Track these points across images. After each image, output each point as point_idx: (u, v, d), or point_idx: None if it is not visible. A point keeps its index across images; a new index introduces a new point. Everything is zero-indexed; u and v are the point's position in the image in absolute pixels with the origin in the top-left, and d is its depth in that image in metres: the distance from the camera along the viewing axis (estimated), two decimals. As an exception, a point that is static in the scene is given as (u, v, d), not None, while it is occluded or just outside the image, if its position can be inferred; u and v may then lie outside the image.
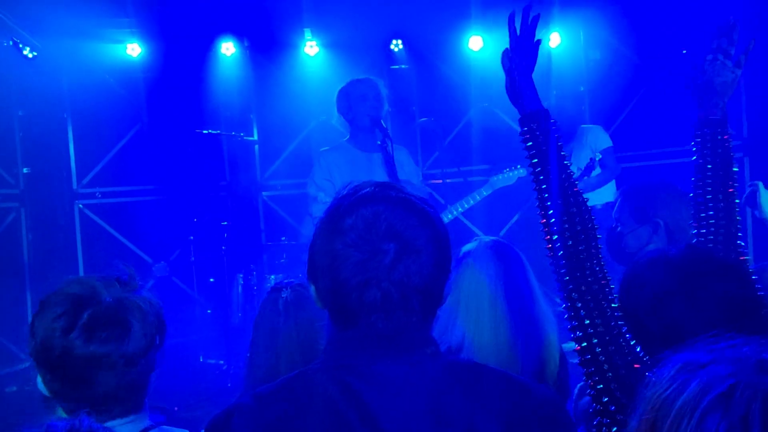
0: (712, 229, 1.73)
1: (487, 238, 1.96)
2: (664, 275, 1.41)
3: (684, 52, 5.13)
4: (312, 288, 1.11)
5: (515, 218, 6.33)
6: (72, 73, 5.86)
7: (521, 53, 1.58)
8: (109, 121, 6.00)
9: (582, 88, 5.18)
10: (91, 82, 5.86)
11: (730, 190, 1.74)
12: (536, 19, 1.58)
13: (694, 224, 1.79)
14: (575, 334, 1.40)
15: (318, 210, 3.49)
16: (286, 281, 1.98)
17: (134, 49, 5.94)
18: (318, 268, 1.07)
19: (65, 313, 1.23)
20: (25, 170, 5.71)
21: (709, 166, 1.76)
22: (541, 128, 1.53)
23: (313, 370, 1.07)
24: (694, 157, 1.81)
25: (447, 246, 1.09)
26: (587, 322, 1.38)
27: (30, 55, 5.40)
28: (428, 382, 1.04)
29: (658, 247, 2.15)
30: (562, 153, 1.52)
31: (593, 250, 1.43)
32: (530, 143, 1.53)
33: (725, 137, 1.78)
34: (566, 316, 1.44)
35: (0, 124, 5.39)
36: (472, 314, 1.78)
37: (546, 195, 1.49)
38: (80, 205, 6.11)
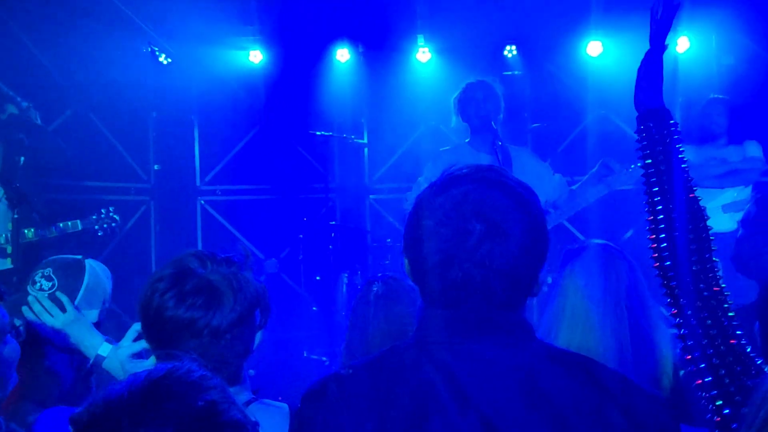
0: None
1: (597, 242, 1.86)
2: None
3: None
4: (405, 261, 1.12)
5: (629, 233, 5.98)
6: (200, 78, 6.31)
7: (658, 39, 1.48)
8: (231, 124, 6.39)
9: (717, 95, 4.80)
10: (217, 87, 6.27)
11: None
12: (677, 5, 1.48)
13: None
14: (691, 354, 1.30)
15: (411, 197, 3.52)
16: (380, 275, 2.01)
17: (256, 56, 6.28)
18: (408, 243, 1.09)
19: (168, 277, 1.30)
20: (156, 167, 6.20)
21: None
22: (658, 128, 1.43)
23: (405, 345, 1.08)
24: None
25: (542, 233, 1.05)
26: (705, 341, 1.27)
27: (165, 62, 5.88)
28: (524, 364, 1.02)
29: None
30: (681, 156, 1.41)
31: (708, 264, 1.32)
32: (645, 143, 1.44)
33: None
34: (677, 333, 1.34)
35: (136, 124, 5.90)
36: (578, 323, 1.71)
37: (657, 199, 1.39)
38: (202, 201, 6.54)
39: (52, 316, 1.71)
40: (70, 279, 1.82)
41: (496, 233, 1.00)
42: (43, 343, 1.75)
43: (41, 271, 1.82)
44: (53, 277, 1.80)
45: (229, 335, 1.28)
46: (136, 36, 5.68)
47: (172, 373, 0.86)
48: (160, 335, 1.29)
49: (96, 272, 1.89)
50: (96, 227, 3.78)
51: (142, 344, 1.45)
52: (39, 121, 3.48)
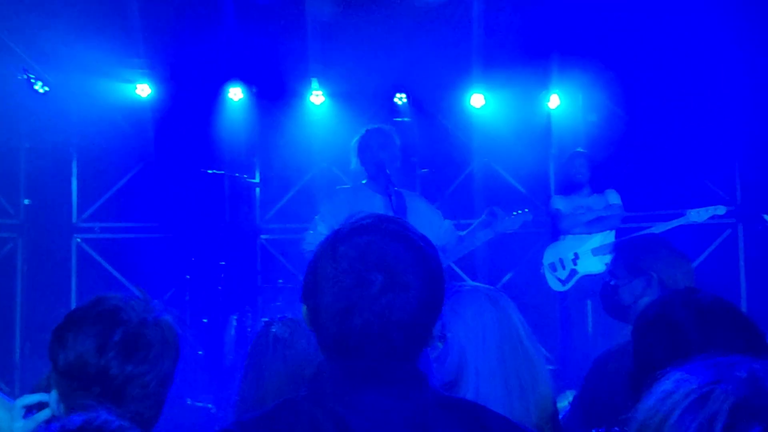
0: None
1: (478, 285, 1.94)
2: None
3: None
4: (303, 308, 1.13)
5: (508, 276, 6.34)
6: (81, 109, 5.96)
7: None
8: (115, 158, 6.08)
9: (580, 149, 5.31)
10: (100, 118, 5.96)
11: None
12: None
13: None
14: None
15: (310, 237, 3.56)
16: (279, 316, 1.99)
17: (144, 90, 6.07)
18: (308, 289, 1.10)
19: (98, 333, 1.24)
20: (26, 201, 5.74)
21: None
22: None
23: (299, 397, 1.08)
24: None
25: (439, 286, 1.09)
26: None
27: (42, 90, 5.53)
28: (419, 415, 1.04)
29: (651, 299, 2.16)
30: None
31: None
32: None
33: None
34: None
35: (6, 155, 5.45)
36: (478, 360, 1.74)
37: None
38: (78, 239, 6.11)
39: None
40: None
41: (397, 285, 1.02)
42: None
43: None
44: None
45: (169, 380, 1.27)
46: (9, 61, 5.31)
47: (89, 423, 0.82)
48: (103, 391, 1.22)
49: None
50: None
51: (37, 420, 1.32)
52: None
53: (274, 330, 1.85)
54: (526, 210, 3.58)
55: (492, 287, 1.97)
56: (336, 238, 1.08)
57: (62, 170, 6.04)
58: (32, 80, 5.46)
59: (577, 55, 5.79)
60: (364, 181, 3.74)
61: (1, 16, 4.78)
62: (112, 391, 1.21)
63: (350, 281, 1.03)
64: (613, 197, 5.02)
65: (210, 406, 4.85)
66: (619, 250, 2.45)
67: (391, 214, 3.29)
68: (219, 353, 4.94)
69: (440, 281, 1.09)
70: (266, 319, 1.98)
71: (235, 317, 4.90)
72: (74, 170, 6.12)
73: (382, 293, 1.02)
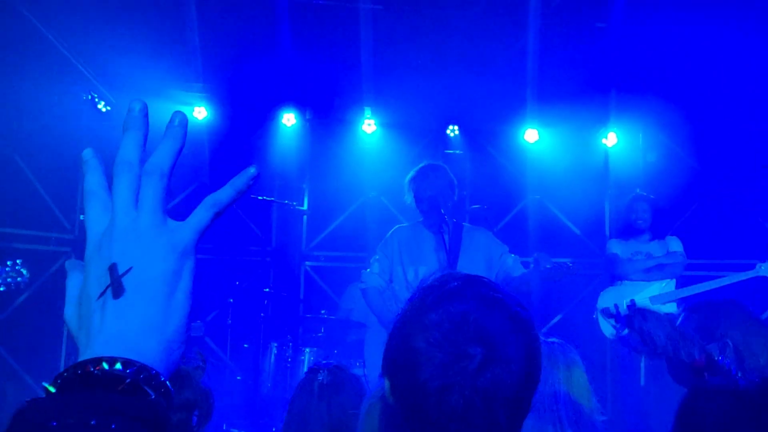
0: None
1: (553, 340, 1.85)
2: (731, 407, 1.29)
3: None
4: (386, 383, 1.03)
5: (557, 318, 6.11)
6: (140, 129, 6.11)
7: None
8: (170, 177, 6.18)
9: (639, 191, 5.10)
10: (156, 140, 6.07)
11: None
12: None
13: None
14: None
15: (366, 276, 3.60)
16: (324, 362, 1.94)
17: (201, 112, 6.20)
18: (395, 364, 1.00)
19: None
20: (81, 217, 5.88)
21: None
22: None
23: None
24: None
25: (539, 355, 1.00)
26: None
27: (104, 110, 5.70)
28: None
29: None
30: None
31: None
32: None
33: None
34: None
35: (66, 171, 5.62)
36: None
37: None
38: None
39: None
40: None
41: (499, 358, 0.94)
42: None
43: None
44: None
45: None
46: (76, 81, 5.51)
47: None
48: None
49: None
50: None
51: None
52: None
53: (320, 378, 1.79)
54: (569, 262, 3.47)
55: (563, 342, 1.88)
56: (423, 305, 0.99)
57: (118, 188, 6.19)
58: (95, 100, 5.64)
59: (637, 91, 5.62)
60: (420, 219, 3.70)
61: (71, 39, 4.96)
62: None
63: (445, 356, 0.94)
64: (675, 244, 4.78)
65: (245, 433, 4.80)
66: (692, 311, 2.28)
67: (443, 253, 3.20)
68: (257, 380, 4.89)
69: (539, 350, 1.00)
70: (311, 363, 1.91)
71: (275, 345, 4.85)
72: (129, 189, 6.25)
73: (484, 368, 0.93)
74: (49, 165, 5.36)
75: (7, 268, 3.52)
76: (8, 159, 5.07)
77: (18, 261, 3.57)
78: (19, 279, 3.55)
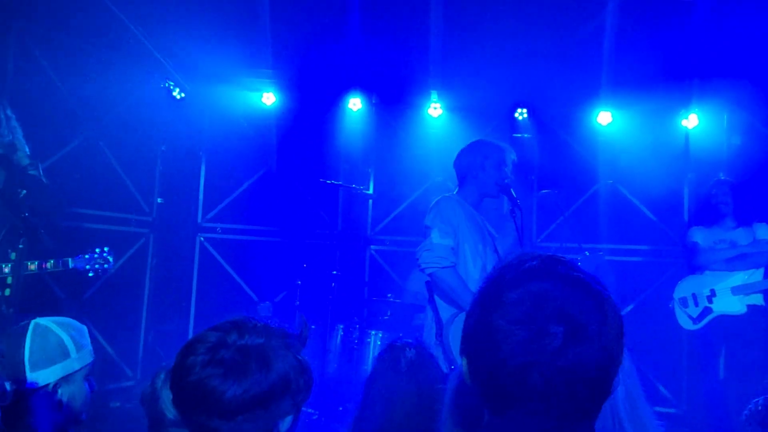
0: None
1: None
2: None
3: None
4: (464, 362, 1.02)
5: (629, 308, 5.88)
6: (212, 115, 6.34)
7: None
8: (239, 163, 6.39)
9: (723, 175, 4.81)
10: (227, 125, 6.30)
11: None
12: None
13: None
14: None
15: (426, 251, 3.19)
16: (405, 340, 1.92)
17: (269, 98, 6.32)
18: (474, 343, 0.99)
19: (209, 350, 1.19)
20: (159, 200, 6.15)
21: None
22: None
23: None
24: None
25: (621, 333, 0.97)
26: None
27: (178, 96, 5.91)
28: None
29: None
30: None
31: None
32: None
33: None
34: None
35: (144, 156, 5.88)
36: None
37: None
38: (201, 238, 6.46)
39: None
40: (12, 348, 1.75)
41: (580, 337, 0.92)
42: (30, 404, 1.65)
43: None
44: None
45: (240, 417, 1.15)
46: (154, 69, 5.73)
47: None
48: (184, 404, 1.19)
49: (44, 332, 1.79)
50: (87, 267, 3.69)
51: None
52: (41, 173, 3.41)
53: (408, 355, 1.78)
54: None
55: None
56: (501, 284, 0.98)
57: (192, 173, 6.43)
58: (171, 87, 5.86)
59: (721, 71, 5.29)
60: (456, 192, 3.47)
61: (149, 27, 5.15)
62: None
63: (526, 334, 0.92)
64: (763, 231, 4.48)
65: (312, 410, 4.90)
66: None
67: (515, 234, 3.13)
68: (324, 360, 4.98)
69: (620, 327, 0.97)
70: (393, 344, 1.91)
71: (341, 326, 4.92)
72: (202, 173, 6.49)
73: (565, 347, 0.92)
74: (130, 151, 5.62)
75: (95, 255, 3.72)
76: (95, 146, 5.35)
77: (105, 249, 3.77)
78: (106, 266, 3.76)
